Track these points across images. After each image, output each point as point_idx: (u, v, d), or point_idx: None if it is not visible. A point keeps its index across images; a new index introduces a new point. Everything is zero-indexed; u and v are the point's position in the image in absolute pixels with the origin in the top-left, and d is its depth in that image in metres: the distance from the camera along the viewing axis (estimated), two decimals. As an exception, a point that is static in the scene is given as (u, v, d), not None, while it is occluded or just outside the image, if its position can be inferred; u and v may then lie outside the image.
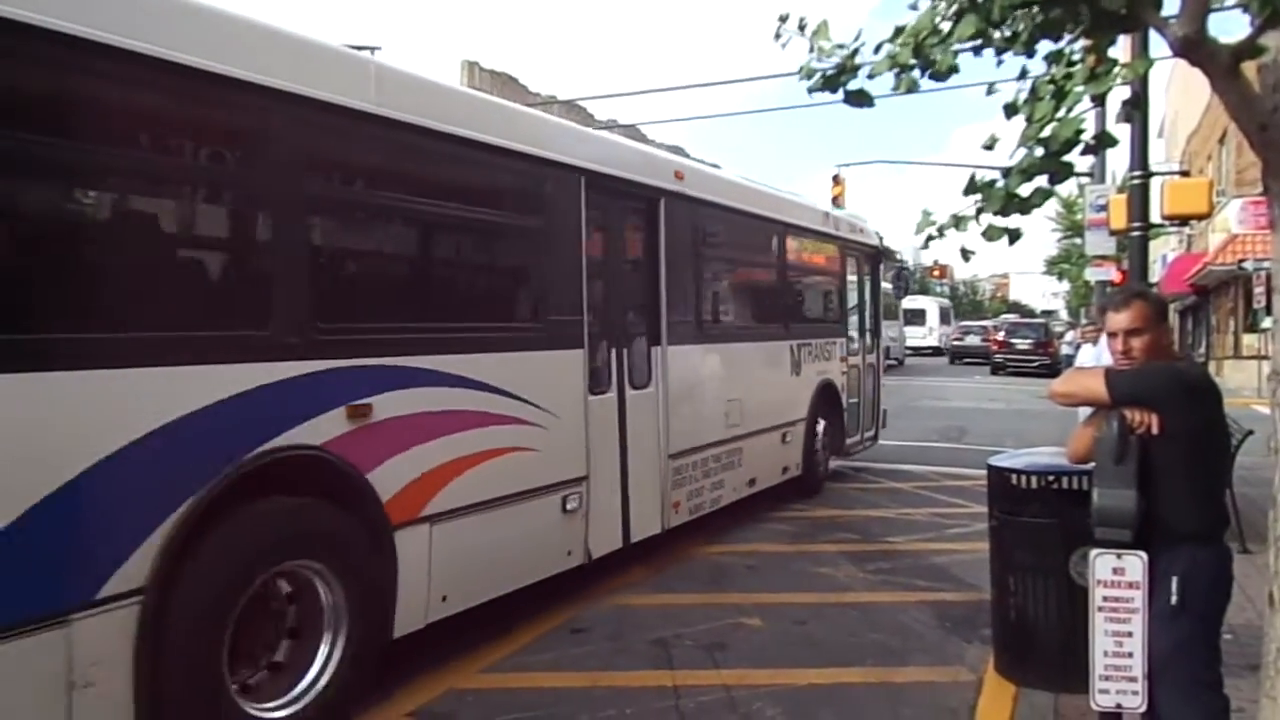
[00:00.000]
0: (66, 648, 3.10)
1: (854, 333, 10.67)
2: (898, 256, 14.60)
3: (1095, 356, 9.04)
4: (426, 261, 5.20)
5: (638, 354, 6.50)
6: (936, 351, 37.88)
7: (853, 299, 10.71)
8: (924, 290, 42.33)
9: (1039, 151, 3.15)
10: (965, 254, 3.61)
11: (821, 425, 9.47)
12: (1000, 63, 3.33)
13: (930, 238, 3.43)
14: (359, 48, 4.74)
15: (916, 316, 37.22)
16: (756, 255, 8.73)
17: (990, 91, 3.46)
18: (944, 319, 41.13)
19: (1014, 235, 3.43)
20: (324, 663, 4.07)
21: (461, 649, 4.94)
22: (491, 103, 5.92)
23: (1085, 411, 3.61)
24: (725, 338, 7.75)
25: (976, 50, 3.31)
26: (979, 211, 3.30)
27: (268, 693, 3.91)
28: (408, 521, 4.45)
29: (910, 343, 35.33)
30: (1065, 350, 28.06)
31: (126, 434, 3.29)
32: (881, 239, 11.70)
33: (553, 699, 4.46)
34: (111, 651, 3.24)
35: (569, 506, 5.60)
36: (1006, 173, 3.23)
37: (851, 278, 10.70)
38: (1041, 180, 3.25)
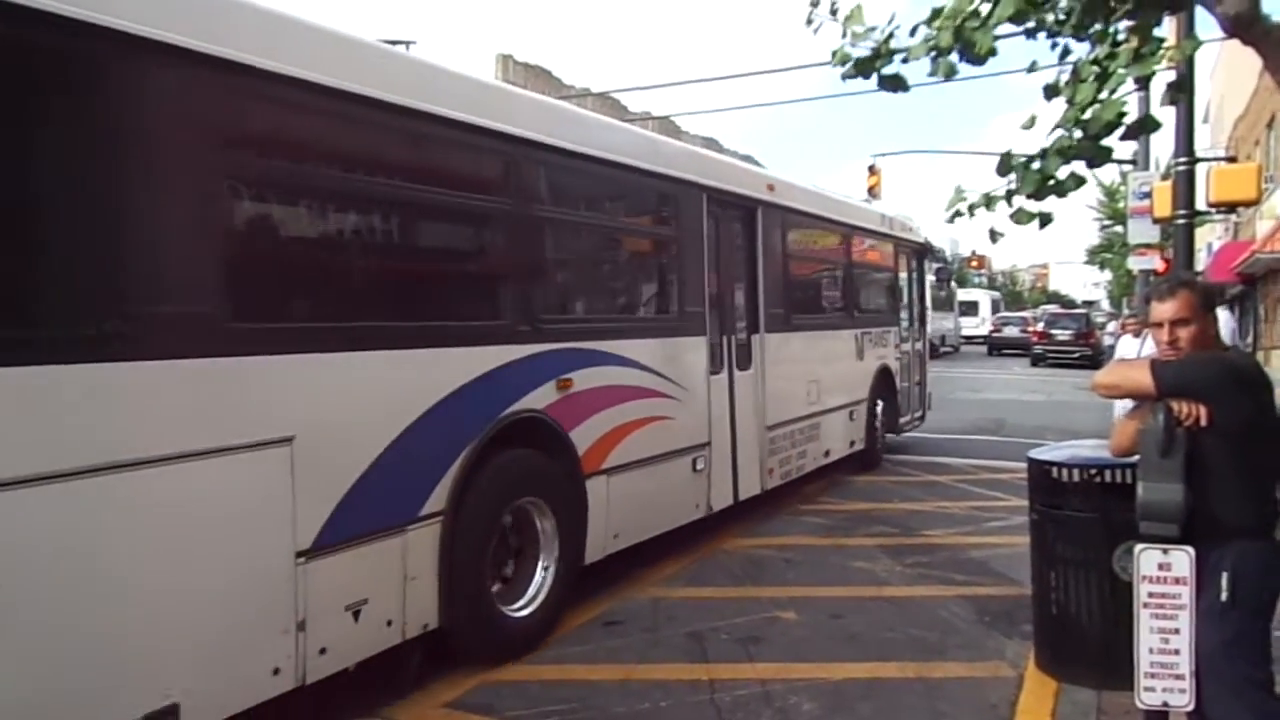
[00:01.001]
0: (404, 550, 4.25)
1: (905, 321, 11.59)
2: (939, 252, 14.75)
3: (1136, 349, 8.85)
4: (604, 263, 6.58)
5: (742, 340, 7.55)
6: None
7: (903, 291, 11.69)
8: (962, 281, 42.51)
9: (1078, 134, 3.07)
10: (994, 235, 3.54)
11: (880, 405, 10.48)
12: (1055, 44, 3.25)
13: (958, 214, 3.36)
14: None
15: (970, 308, 39.43)
16: (829, 253, 9.86)
17: (1031, 69, 3.38)
18: (995, 309, 43.36)
19: (1045, 219, 3.35)
20: (543, 577, 5.17)
21: (496, 641, 4.95)
22: (645, 135, 7.49)
23: (1121, 405, 3.53)
24: (806, 327, 8.74)
25: (1030, 33, 3.23)
26: (1010, 193, 3.23)
27: (509, 597, 4.99)
28: (594, 472, 5.58)
29: (965, 332, 37.57)
30: (1108, 341, 27.60)
31: (437, 395, 4.44)
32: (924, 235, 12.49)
33: (588, 691, 4.46)
34: (426, 555, 4.37)
35: (698, 467, 6.71)
36: (1043, 154, 3.15)
37: (902, 272, 11.70)
38: (1078, 164, 3.17)
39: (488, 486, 4.70)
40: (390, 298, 4.49)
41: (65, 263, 3.10)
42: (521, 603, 5.04)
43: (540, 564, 5.19)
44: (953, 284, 32.16)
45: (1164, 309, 3.21)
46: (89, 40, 3.05)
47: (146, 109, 3.29)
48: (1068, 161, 3.19)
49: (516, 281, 5.17)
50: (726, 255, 7.39)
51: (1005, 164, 3.34)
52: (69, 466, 2.95)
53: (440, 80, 4.74)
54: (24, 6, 2.85)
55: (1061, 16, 3.08)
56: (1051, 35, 3.17)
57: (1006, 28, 3.12)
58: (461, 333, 4.74)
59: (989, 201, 3.38)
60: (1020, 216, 3.39)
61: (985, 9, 3.08)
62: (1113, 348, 17.78)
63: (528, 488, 5.08)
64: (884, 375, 10.59)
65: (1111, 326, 31.16)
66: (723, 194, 7.21)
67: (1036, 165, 3.23)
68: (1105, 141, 3.16)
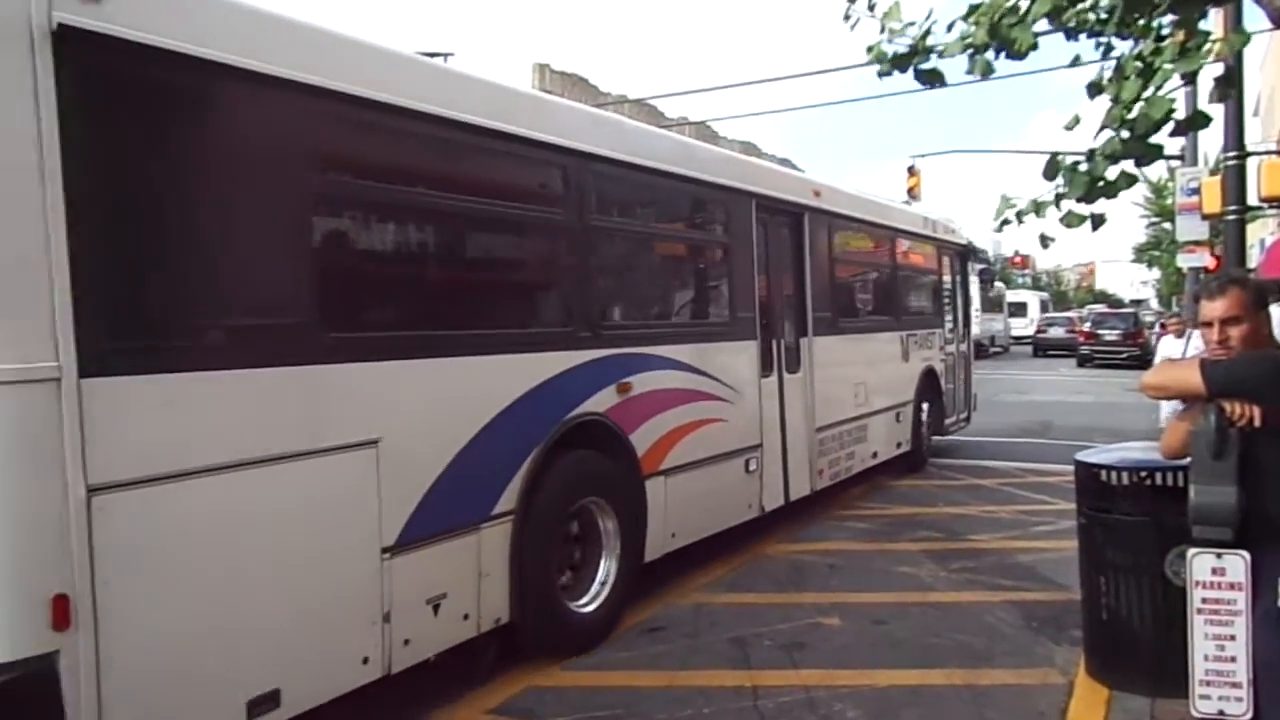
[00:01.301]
0: (478, 547, 4.47)
1: (949, 322, 11.59)
2: (982, 253, 14.62)
3: (1180, 349, 8.64)
4: (660, 270, 6.81)
5: (790, 344, 7.70)
6: None
7: (947, 293, 11.72)
8: (1006, 281, 42.43)
9: (1124, 134, 3.00)
10: (1044, 241, 3.48)
11: (925, 406, 10.53)
12: (1099, 43, 3.18)
13: (1006, 222, 3.31)
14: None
15: (1019, 309, 40.11)
16: (874, 257, 9.95)
17: (1074, 64, 3.31)
18: (1043, 310, 44.00)
19: (1097, 220, 3.29)
20: (605, 575, 5.37)
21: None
22: (697, 145, 7.69)
23: (1167, 405, 3.45)
24: (853, 330, 8.87)
25: (1070, 33, 3.17)
26: (1059, 197, 3.17)
27: (574, 593, 5.21)
28: (652, 473, 5.75)
29: (1014, 332, 38.13)
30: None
31: (508, 400, 4.66)
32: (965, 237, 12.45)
33: (631, 697, 4.46)
34: (498, 552, 4.59)
35: (750, 468, 6.86)
36: (1090, 156, 3.09)
37: (946, 274, 11.73)
38: (1127, 164, 3.10)
39: (554, 487, 4.91)
40: (466, 307, 4.76)
41: (192, 279, 3.42)
42: (586, 599, 5.25)
43: (603, 562, 5.38)
44: (1000, 285, 32.25)
45: (1214, 307, 3.14)
46: (219, 77, 3.39)
47: (277, 147, 3.68)
48: (1116, 162, 3.13)
49: (579, 289, 5.39)
50: (775, 260, 7.54)
51: (1052, 167, 3.29)
52: (198, 465, 3.24)
53: (513, 100, 5.08)
54: (161, 49, 3.17)
55: (1103, 15, 3.03)
56: (1093, 34, 3.11)
57: (1045, 25, 3.08)
58: (530, 339, 5.01)
59: (1038, 208, 3.33)
60: (1071, 220, 3.33)
61: (1024, 5, 3.04)
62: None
63: (591, 488, 5.27)
64: (929, 377, 10.65)
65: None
66: (771, 200, 7.36)
67: (1084, 167, 3.17)
68: (1154, 139, 3.10)
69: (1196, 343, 8.68)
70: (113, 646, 2.95)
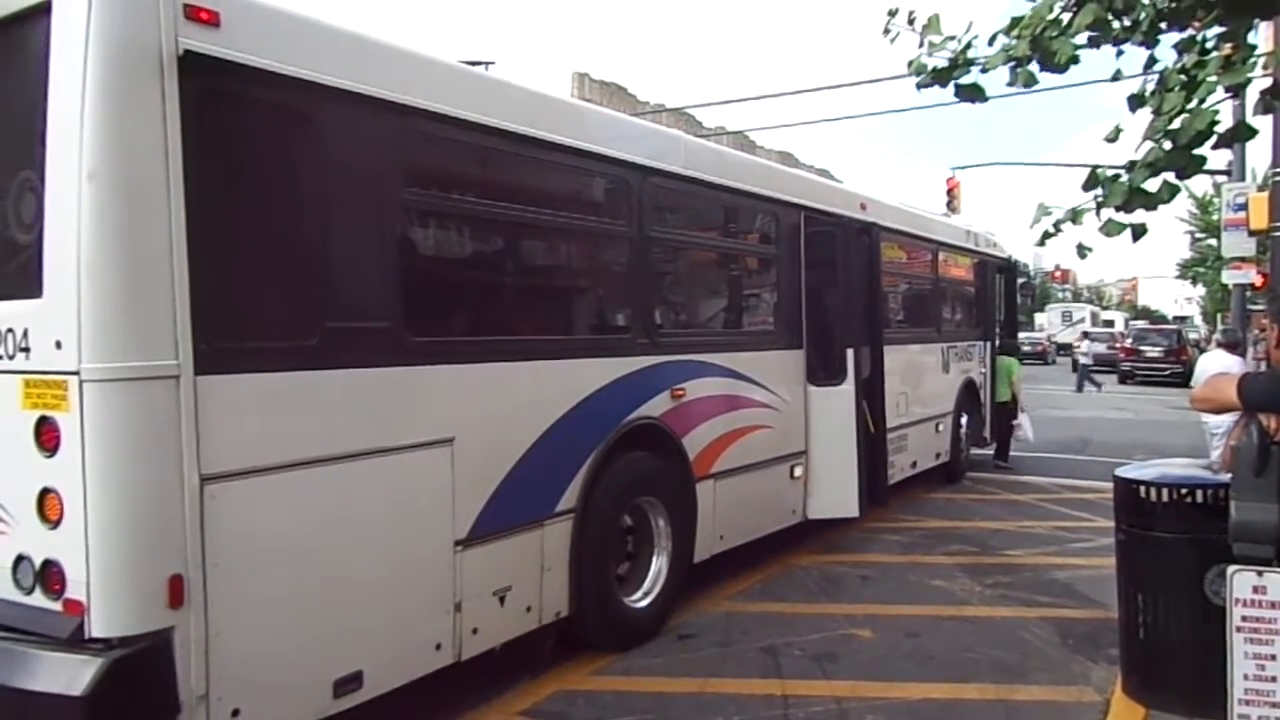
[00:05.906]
0: (541, 542, 4.68)
1: (990, 335, 11.54)
2: (1022, 267, 14.46)
3: (1229, 365, 8.45)
4: (714, 280, 7.04)
5: (836, 353, 7.60)
6: None
7: (988, 305, 11.71)
8: (1045, 296, 43.28)
9: (1166, 145, 2.98)
10: (1081, 250, 3.45)
11: (965, 418, 10.57)
12: (1120, 53, 3.17)
13: (1046, 234, 3.29)
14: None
15: (1108, 325, 45.27)
16: (916, 269, 9.97)
17: (1115, 78, 3.29)
18: (1125, 326, 47.35)
19: (1138, 231, 3.25)
20: (658, 571, 5.56)
21: (573, 652, 5.02)
22: (756, 161, 7.97)
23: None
24: (895, 340, 8.79)
25: (1115, 42, 3.16)
26: (1099, 206, 3.15)
27: (628, 589, 5.40)
28: (703, 476, 5.91)
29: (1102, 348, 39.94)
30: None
31: (571, 402, 4.84)
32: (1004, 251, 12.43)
33: (662, 703, 4.48)
34: (560, 548, 4.79)
35: (795, 474, 6.99)
36: (1130, 167, 3.07)
37: (988, 287, 11.71)
38: (1168, 175, 3.08)
39: (613, 486, 5.09)
40: (534, 314, 5.08)
41: (295, 284, 3.64)
42: (639, 594, 5.43)
43: (655, 559, 5.56)
44: (1095, 307, 32.49)
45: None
46: (323, 97, 3.60)
47: (372, 162, 3.88)
48: (1157, 173, 3.11)
49: (639, 297, 5.57)
50: (820, 272, 7.61)
51: (1092, 179, 3.26)
52: (296, 458, 3.45)
53: (585, 117, 5.46)
54: (273, 72, 3.39)
55: (1130, 22, 3.01)
56: (1118, 43, 3.09)
57: (1085, 38, 3.06)
58: (592, 345, 5.26)
59: (1076, 215, 3.30)
60: (1110, 228, 3.29)
61: (1065, 18, 3.03)
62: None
63: (645, 488, 5.45)
64: (969, 388, 10.68)
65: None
66: (818, 213, 7.49)
67: (1124, 178, 3.15)
68: (1196, 151, 3.07)
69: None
70: (219, 624, 3.18)
